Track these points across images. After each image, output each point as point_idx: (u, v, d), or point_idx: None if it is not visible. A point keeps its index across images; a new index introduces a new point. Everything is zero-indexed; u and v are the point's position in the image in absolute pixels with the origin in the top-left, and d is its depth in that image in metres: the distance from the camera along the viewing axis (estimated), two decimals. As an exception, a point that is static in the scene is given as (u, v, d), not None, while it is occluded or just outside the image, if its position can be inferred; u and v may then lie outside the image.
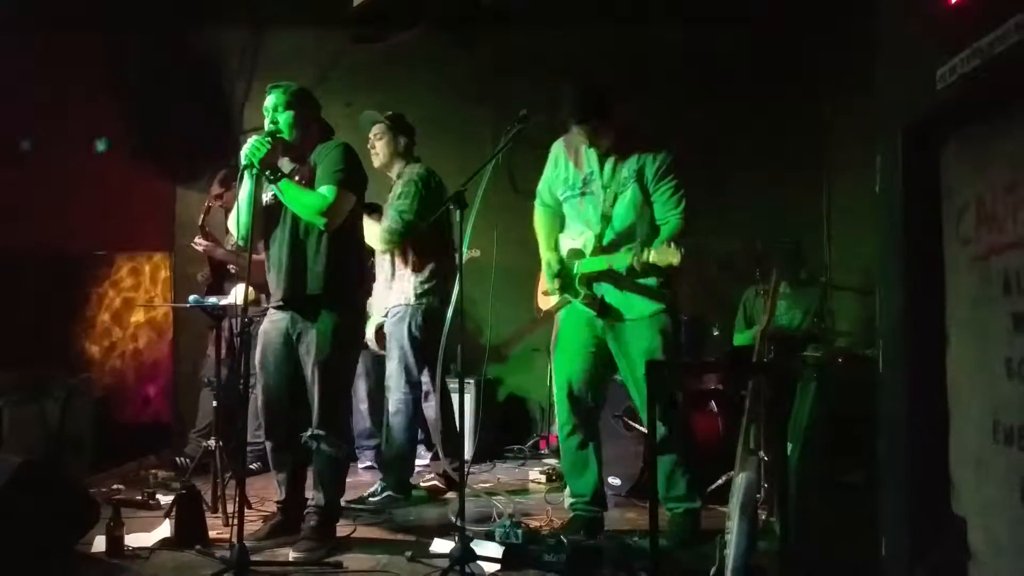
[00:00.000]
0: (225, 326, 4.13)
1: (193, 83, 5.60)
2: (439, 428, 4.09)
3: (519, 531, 3.10)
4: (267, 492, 3.82)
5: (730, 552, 2.68)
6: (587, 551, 3.01)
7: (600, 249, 3.32)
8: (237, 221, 3.23)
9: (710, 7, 5.35)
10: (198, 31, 5.67)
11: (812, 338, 4.21)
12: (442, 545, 3.10)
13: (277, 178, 3.13)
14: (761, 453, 2.94)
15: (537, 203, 3.59)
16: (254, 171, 3.07)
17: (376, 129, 4.11)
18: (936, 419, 1.80)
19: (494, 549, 3.00)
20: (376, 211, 4.16)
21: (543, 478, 4.46)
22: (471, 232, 3.03)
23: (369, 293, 3.54)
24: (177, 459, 4.62)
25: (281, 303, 3.25)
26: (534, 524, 3.49)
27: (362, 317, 3.42)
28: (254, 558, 2.91)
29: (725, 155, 5.51)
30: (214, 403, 3.93)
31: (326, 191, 3.12)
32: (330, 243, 3.18)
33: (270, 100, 3.25)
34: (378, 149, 4.09)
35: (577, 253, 3.39)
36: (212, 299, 4.12)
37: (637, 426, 3.93)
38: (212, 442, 3.78)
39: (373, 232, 3.92)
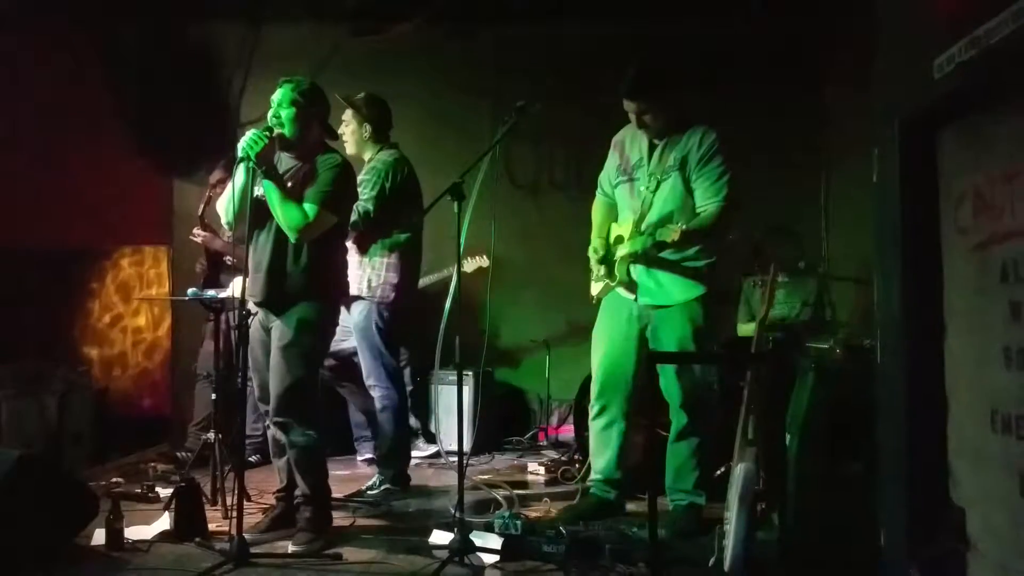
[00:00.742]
0: (223, 319, 4.12)
1: (191, 76, 5.59)
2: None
3: (518, 522, 3.10)
4: (266, 485, 3.83)
5: (729, 543, 2.69)
6: (586, 542, 3.01)
7: (638, 233, 3.34)
8: (226, 206, 3.23)
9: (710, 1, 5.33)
10: (196, 24, 5.65)
11: (814, 328, 4.21)
12: (441, 536, 3.11)
13: (271, 175, 3.12)
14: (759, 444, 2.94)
15: (597, 192, 3.66)
16: (250, 164, 3.07)
17: (345, 116, 4.08)
18: (934, 409, 1.80)
19: (493, 540, 3.00)
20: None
21: (542, 470, 4.46)
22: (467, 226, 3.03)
23: (345, 290, 3.52)
24: (178, 453, 4.62)
25: (259, 301, 3.25)
26: (533, 515, 3.50)
27: (334, 310, 3.39)
28: (254, 551, 2.93)
29: (724, 146, 5.50)
30: (212, 396, 3.93)
31: (308, 208, 3.12)
32: (311, 249, 3.19)
33: (278, 93, 3.24)
34: (346, 137, 4.05)
35: (619, 239, 3.44)
36: (211, 292, 4.12)
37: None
38: (211, 435, 3.78)
39: None
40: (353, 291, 3.96)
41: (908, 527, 1.85)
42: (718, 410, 3.44)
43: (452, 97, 5.62)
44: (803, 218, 5.35)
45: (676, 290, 3.35)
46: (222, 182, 4.59)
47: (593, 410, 3.57)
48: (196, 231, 4.61)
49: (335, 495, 3.48)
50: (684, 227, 3.12)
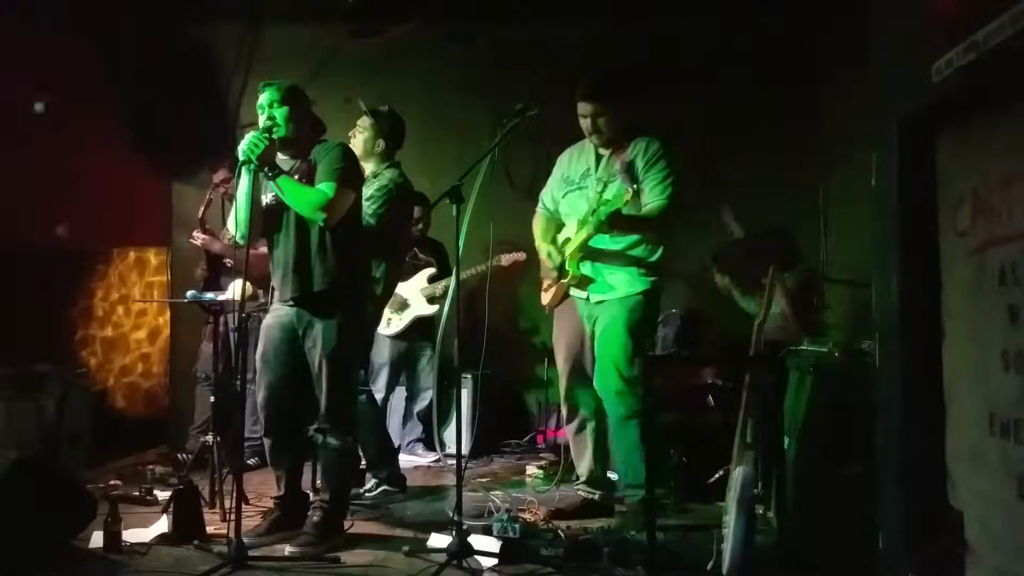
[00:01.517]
0: (223, 321, 4.11)
1: (190, 78, 5.58)
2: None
3: (517, 525, 3.10)
4: (264, 488, 3.82)
5: (727, 546, 2.68)
6: (584, 545, 3.01)
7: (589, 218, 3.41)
8: (236, 219, 3.22)
9: (709, 0, 5.34)
10: (196, 25, 5.65)
11: (808, 332, 4.19)
12: (439, 539, 3.10)
13: (276, 174, 3.12)
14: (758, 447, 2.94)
15: (538, 207, 3.74)
16: (252, 167, 3.07)
17: (362, 122, 4.08)
18: (932, 412, 1.80)
19: (491, 543, 3.00)
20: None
21: (540, 472, 4.46)
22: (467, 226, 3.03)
23: (374, 294, 3.53)
24: (179, 455, 4.61)
25: (290, 301, 3.24)
26: (530, 518, 3.49)
27: (369, 313, 3.42)
28: (252, 553, 2.92)
29: (722, 148, 5.51)
30: (211, 398, 3.92)
31: (326, 187, 3.12)
32: (333, 240, 3.19)
33: (264, 97, 3.24)
34: (356, 142, 4.05)
35: (567, 240, 3.51)
36: (209, 294, 4.11)
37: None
38: (209, 437, 3.77)
39: None
40: None
41: (906, 530, 1.85)
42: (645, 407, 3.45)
43: (451, 99, 5.62)
44: (801, 221, 5.35)
45: (622, 284, 3.43)
46: (225, 181, 4.59)
47: (564, 415, 3.66)
48: (196, 234, 4.60)
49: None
50: (637, 187, 3.21)
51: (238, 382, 3.18)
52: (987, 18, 1.51)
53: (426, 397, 4.98)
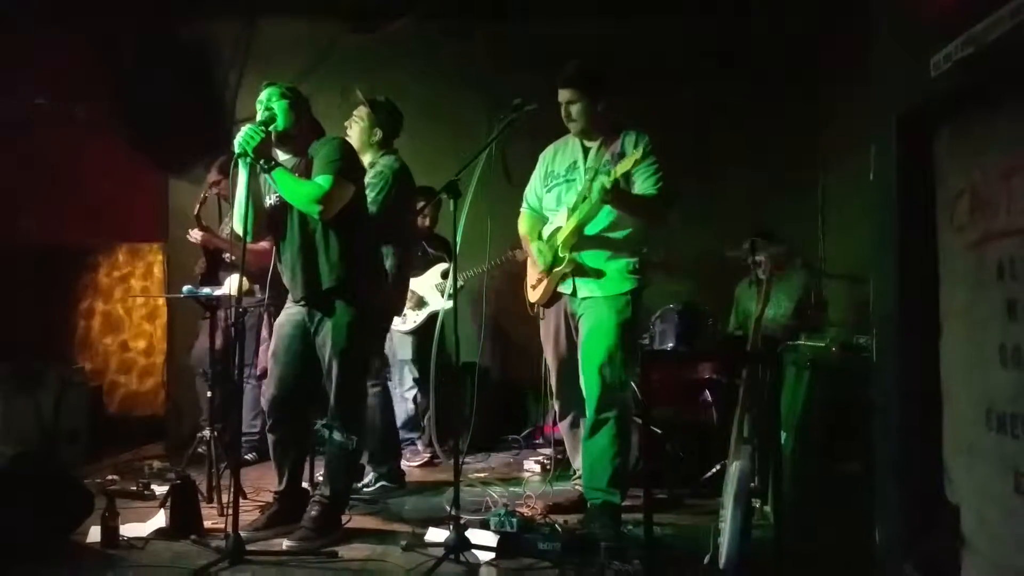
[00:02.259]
0: (220, 316, 4.11)
1: (186, 73, 5.57)
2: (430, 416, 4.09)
3: (514, 520, 3.10)
4: (262, 482, 3.82)
5: (724, 540, 2.69)
6: (581, 540, 3.01)
7: (580, 202, 3.42)
8: (240, 219, 3.20)
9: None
10: (192, 20, 5.63)
11: (802, 327, 4.20)
12: (437, 534, 3.10)
13: (271, 167, 3.10)
14: (755, 442, 2.94)
15: (523, 207, 3.75)
16: (247, 160, 3.06)
17: (359, 112, 4.06)
18: (930, 407, 1.80)
19: (489, 538, 3.00)
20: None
21: (538, 468, 4.46)
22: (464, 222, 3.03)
23: (385, 283, 3.52)
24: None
25: (300, 301, 3.24)
26: (527, 513, 3.49)
27: (379, 308, 3.42)
28: (249, 548, 2.92)
29: (720, 145, 5.51)
30: (208, 393, 3.92)
31: (322, 180, 3.10)
32: (339, 236, 3.18)
33: (264, 93, 3.23)
34: (352, 132, 4.03)
35: (556, 230, 3.50)
36: (206, 289, 4.10)
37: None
38: (207, 432, 3.77)
39: None
40: None
41: (903, 524, 1.85)
42: (633, 409, 3.51)
43: (448, 94, 5.61)
44: (800, 217, 5.35)
45: (609, 283, 3.42)
46: (216, 183, 4.58)
47: (557, 411, 3.68)
48: (193, 232, 4.59)
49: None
50: (638, 156, 3.20)
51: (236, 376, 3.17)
52: (986, 12, 1.51)
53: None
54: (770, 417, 2.87)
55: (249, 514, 3.37)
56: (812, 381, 3.12)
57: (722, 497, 2.80)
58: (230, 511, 2.92)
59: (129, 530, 3.16)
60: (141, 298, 5.82)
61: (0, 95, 4.96)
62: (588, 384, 3.39)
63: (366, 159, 4.05)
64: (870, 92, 2.01)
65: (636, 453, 3.55)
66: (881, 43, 1.98)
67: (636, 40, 5.47)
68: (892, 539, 1.90)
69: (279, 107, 3.19)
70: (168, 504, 3.28)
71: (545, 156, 3.68)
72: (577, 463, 3.66)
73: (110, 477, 4.13)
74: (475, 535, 2.99)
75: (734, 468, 2.77)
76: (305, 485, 3.48)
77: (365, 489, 3.96)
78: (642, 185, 3.37)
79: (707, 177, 5.39)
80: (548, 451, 4.88)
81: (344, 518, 3.37)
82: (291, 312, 3.31)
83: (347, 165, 3.19)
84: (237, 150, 3.04)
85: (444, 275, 4.87)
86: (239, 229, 3.22)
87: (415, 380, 4.91)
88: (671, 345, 4.18)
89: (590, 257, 3.44)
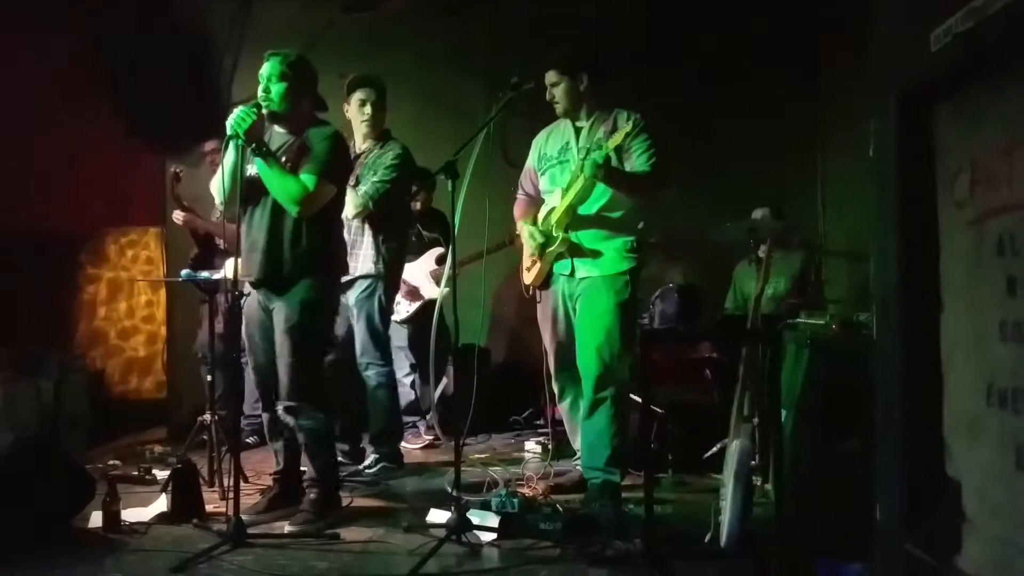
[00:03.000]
0: (218, 300, 4.10)
1: (181, 55, 5.52)
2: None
3: (515, 500, 3.11)
4: (264, 466, 3.83)
5: (725, 519, 2.70)
6: (583, 520, 3.02)
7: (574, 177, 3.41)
8: (220, 187, 3.18)
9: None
10: (186, 3, 5.58)
11: (803, 306, 4.20)
12: (438, 515, 3.12)
13: (262, 152, 3.08)
14: (755, 420, 2.94)
15: (519, 193, 3.74)
16: (239, 142, 3.03)
17: (367, 95, 4.03)
18: (930, 384, 1.80)
19: (490, 518, 3.01)
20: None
21: (539, 448, 4.47)
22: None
23: (344, 268, 3.51)
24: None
25: (256, 281, 3.22)
26: (529, 493, 3.50)
27: (335, 287, 3.39)
28: (251, 531, 2.93)
29: (719, 123, 5.48)
30: (208, 378, 3.92)
31: (307, 180, 3.08)
32: (309, 228, 3.15)
33: (266, 68, 3.20)
34: (366, 122, 4.02)
35: (551, 211, 3.49)
36: (204, 273, 4.09)
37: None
38: (207, 416, 3.77)
39: (348, 200, 3.88)
40: (362, 270, 3.95)
41: (904, 502, 1.85)
42: (630, 388, 3.51)
43: (445, 74, 5.57)
44: (800, 195, 5.33)
45: (607, 263, 3.41)
46: (215, 151, 4.55)
47: (556, 392, 3.68)
48: (176, 213, 4.59)
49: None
50: (628, 130, 3.21)
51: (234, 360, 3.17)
52: (987, -16, 1.49)
53: (441, 385, 4.98)
54: (770, 395, 2.87)
55: (251, 497, 3.39)
56: (812, 359, 3.12)
57: (722, 475, 2.80)
58: (231, 495, 2.93)
59: (131, 515, 3.18)
60: (141, 283, 5.81)
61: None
62: (585, 364, 3.38)
63: (368, 142, 4.04)
64: (870, 67, 1.99)
65: (635, 433, 3.56)
66: (881, 17, 1.95)
67: (634, 19, 5.43)
68: (893, 516, 1.90)
69: (276, 90, 3.16)
70: (170, 488, 3.29)
71: (538, 140, 3.67)
72: (577, 444, 3.67)
73: (111, 462, 4.14)
74: (476, 516, 3.00)
75: (734, 446, 2.78)
76: (305, 467, 3.48)
77: (366, 471, 3.97)
78: (635, 162, 3.35)
79: (706, 156, 5.37)
80: (548, 432, 4.90)
81: (345, 500, 3.38)
82: (254, 295, 3.29)
83: (335, 167, 3.18)
84: (229, 132, 3.02)
85: (439, 261, 4.85)
86: (216, 196, 3.22)
87: (411, 366, 4.91)
88: (671, 325, 4.20)
89: (587, 237, 3.42)
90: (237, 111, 3.04)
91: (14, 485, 2.90)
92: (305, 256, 3.15)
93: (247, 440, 4.48)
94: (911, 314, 1.84)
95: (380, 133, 4.04)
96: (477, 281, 3.64)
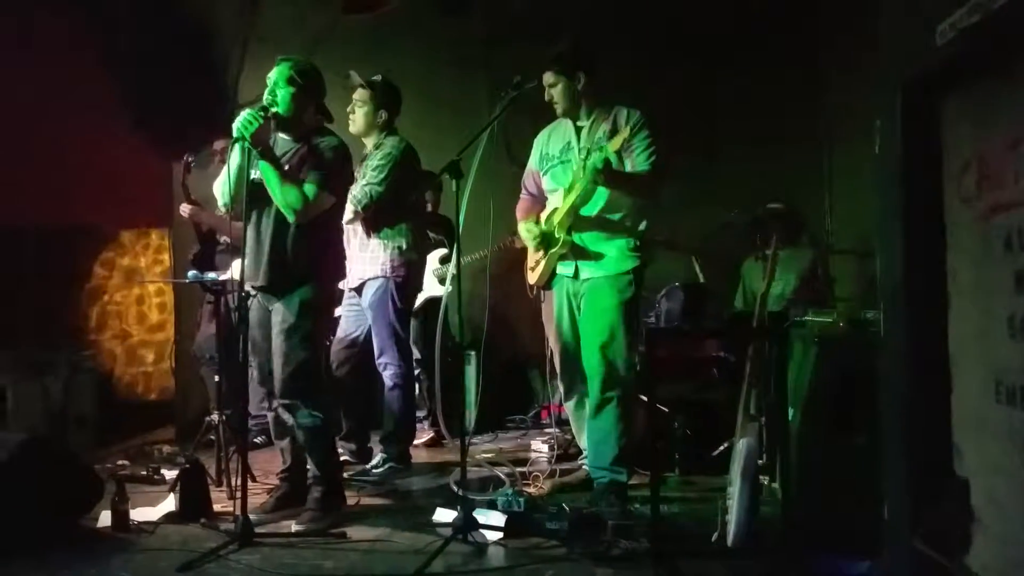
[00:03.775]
0: (223, 301, 4.10)
1: (188, 55, 5.54)
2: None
3: (521, 499, 3.11)
4: (271, 466, 3.84)
5: (731, 517, 2.69)
6: (589, 519, 3.02)
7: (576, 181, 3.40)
8: (223, 188, 3.20)
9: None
10: (192, 3, 5.59)
11: (810, 304, 4.18)
12: (445, 514, 3.12)
13: (266, 156, 3.09)
14: (762, 419, 2.93)
15: (522, 193, 3.74)
16: (244, 144, 3.04)
17: (359, 95, 4.04)
18: (938, 381, 1.79)
19: (496, 517, 3.01)
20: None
21: (545, 447, 4.47)
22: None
23: (342, 271, 3.52)
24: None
25: (260, 285, 3.22)
26: (534, 492, 3.50)
27: (333, 290, 3.42)
28: (259, 530, 2.94)
29: (724, 120, 5.46)
30: (215, 378, 3.92)
31: (308, 189, 3.10)
32: (312, 235, 3.16)
33: (274, 72, 3.21)
34: (356, 116, 4.02)
35: (554, 211, 3.49)
36: (211, 274, 4.10)
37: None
38: (215, 416, 3.78)
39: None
40: (368, 273, 3.96)
41: (911, 499, 1.84)
42: (637, 388, 3.49)
43: (448, 73, 5.57)
44: (805, 191, 5.31)
45: (611, 262, 3.40)
46: (225, 150, 4.55)
47: (562, 392, 3.68)
48: (183, 206, 4.60)
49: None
50: (626, 135, 3.21)
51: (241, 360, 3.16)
52: (993, -22, 1.48)
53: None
54: (777, 393, 2.86)
55: (258, 497, 3.40)
56: (819, 357, 3.10)
57: (729, 474, 2.79)
58: (239, 494, 2.94)
59: (139, 514, 3.19)
60: (148, 283, 5.82)
61: (4, 78, 4.93)
62: (590, 364, 3.38)
63: (370, 141, 4.04)
64: (875, 62, 1.98)
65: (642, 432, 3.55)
66: (886, 11, 1.94)
67: (637, 15, 5.42)
68: (900, 514, 1.89)
69: (282, 95, 3.17)
70: (178, 488, 3.30)
71: (539, 140, 3.66)
72: (583, 443, 3.66)
73: (120, 462, 4.15)
74: (482, 515, 2.99)
75: (741, 445, 2.77)
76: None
77: (373, 471, 3.98)
78: (635, 160, 3.35)
79: (711, 152, 5.35)
80: (554, 431, 4.89)
81: (352, 500, 3.38)
82: (259, 297, 3.29)
83: (335, 175, 3.20)
84: (235, 134, 3.03)
85: (442, 261, 4.86)
86: (218, 196, 3.25)
87: (417, 361, 4.91)
88: (677, 323, 4.18)
89: (590, 238, 3.43)
90: (244, 114, 3.05)
91: (23, 485, 2.91)
92: (307, 259, 3.17)
93: (254, 440, 4.49)
94: (918, 311, 1.83)
95: (379, 133, 4.03)
96: (482, 281, 3.64)
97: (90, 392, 4.70)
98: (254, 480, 3.67)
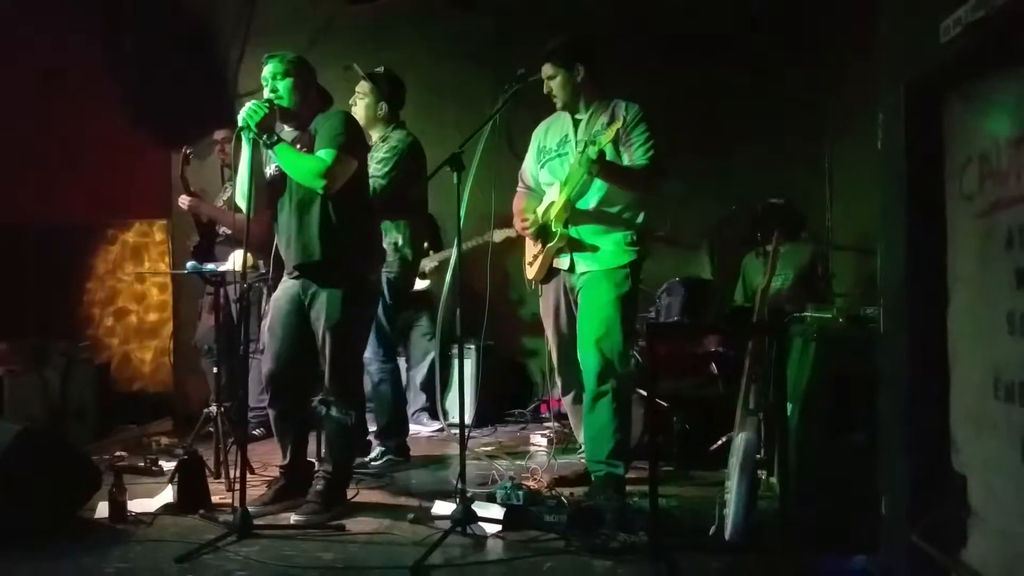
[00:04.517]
0: (223, 293, 4.10)
1: (188, 48, 5.53)
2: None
3: (520, 492, 3.11)
4: (270, 457, 3.84)
5: (729, 512, 2.69)
6: (587, 512, 3.02)
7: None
8: (240, 191, 3.20)
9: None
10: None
11: (810, 299, 4.18)
12: (443, 507, 3.12)
13: (274, 142, 3.09)
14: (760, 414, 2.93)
15: (519, 187, 3.73)
16: (251, 135, 3.04)
17: (361, 88, 4.03)
18: (937, 376, 1.79)
19: (495, 510, 3.01)
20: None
21: (543, 441, 4.47)
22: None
23: (382, 260, 3.52)
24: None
25: (294, 272, 3.23)
26: (533, 486, 3.51)
27: (375, 283, 3.41)
28: (257, 522, 2.94)
29: (726, 117, 5.46)
30: (214, 370, 3.92)
31: (324, 154, 3.08)
32: (336, 210, 3.15)
33: (268, 69, 3.20)
34: (357, 109, 4.01)
35: (551, 205, 3.48)
36: (210, 265, 4.10)
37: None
38: (213, 408, 3.78)
39: None
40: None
41: (909, 494, 1.84)
42: (633, 381, 3.51)
43: (451, 66, 5.57)
44: (806, 187, 5.31)
45: (607, 257, 3.40)
46: (226, 141, 4.55)
47: (560, 387, 3.69)
48: (182, 198, 4.59)
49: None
50: (620, 125, 3.20)
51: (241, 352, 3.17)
52: (997, -26, 1.47)
53: (424, 366, 5.01)
54: (776, 388, 2.86)
55: (257, 489, 3.40)
56: (819, 352, 3.10)
57: (727, 469, 2.80)
58: (237, 486, 2.94)
59: (137, 505, 3.19)
60: (147, 275, 5.82)
61: (3, 72, 4.92)
62: (586, 358, 3.38)
63: (375, 134, 4.03)
64: (878, 58, 1.98)
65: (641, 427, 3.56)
66: (889, 8, 1.94)
67: (640, 9, 5.41)
68: (898, 510, 1.89)
69: (283, 86, 3.17)
70: (176, 479, 3.30)
71: (537, 133, 3.65)
72: (581, 436, 3.67)
73: (118, 453, 4.15)
74: (481, 508, 3.00)
75: (739, 439, 2.77)
76: (312, 460, 3.49)
77: (372, 463, 3.98)
78: (632, 154, 3.34)
79: (713, 148, 5.35)
80: (553, 424, 4.90)
81: (351, 492, 3.38)
82: (287, 286, 3.29)
83: (350, 139, 3.15)
84: (240, 124, 3.03)
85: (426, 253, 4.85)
86: (241, 203, 3.21)
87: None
88: (677, 318, 4.19)
89: (587, 231, 3.41)
90: (249, 104, 3.05)
91: (21, 476, 2.91)
92: (336, 240, 3.15)
93: (253, 432, 4.50)
94: (918, 307, 1.84)
95: (384, 126, 4.02)
96: (481, 274, 3.63)
97: (88, 383, 4.70)
98: (252, 472, 3.68)
